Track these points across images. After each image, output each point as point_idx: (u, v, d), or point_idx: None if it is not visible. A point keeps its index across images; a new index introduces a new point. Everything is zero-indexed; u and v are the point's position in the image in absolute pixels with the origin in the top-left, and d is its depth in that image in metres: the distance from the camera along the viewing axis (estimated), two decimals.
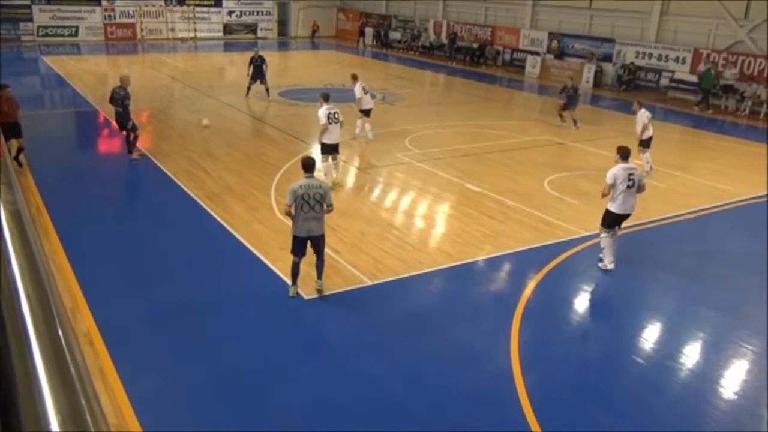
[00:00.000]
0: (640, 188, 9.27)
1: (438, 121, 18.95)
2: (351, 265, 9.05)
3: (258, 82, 20.68)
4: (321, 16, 44.22)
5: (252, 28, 41.72)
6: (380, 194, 12.66)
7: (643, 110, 14.28)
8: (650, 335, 7.88)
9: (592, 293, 9.04)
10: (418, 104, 21.88)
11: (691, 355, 7.41)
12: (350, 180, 13.47)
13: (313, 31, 43.59)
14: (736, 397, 6.59)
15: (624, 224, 9.72)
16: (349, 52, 37.38)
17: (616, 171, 9.14)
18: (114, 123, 14.48)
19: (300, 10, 43.75)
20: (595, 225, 11.03)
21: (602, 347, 7.53)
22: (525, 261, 9.70)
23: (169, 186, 12.32)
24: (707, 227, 11.64)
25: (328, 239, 9.85)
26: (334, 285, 8.42)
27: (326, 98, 12.44)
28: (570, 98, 18.55)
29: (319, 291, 8.08)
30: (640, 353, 7.40)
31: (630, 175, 9.12)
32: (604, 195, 9.33)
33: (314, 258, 8.07)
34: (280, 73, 28.84)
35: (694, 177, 14.33)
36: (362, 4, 43.77)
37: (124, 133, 13.81)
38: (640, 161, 13.77)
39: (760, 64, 22.63)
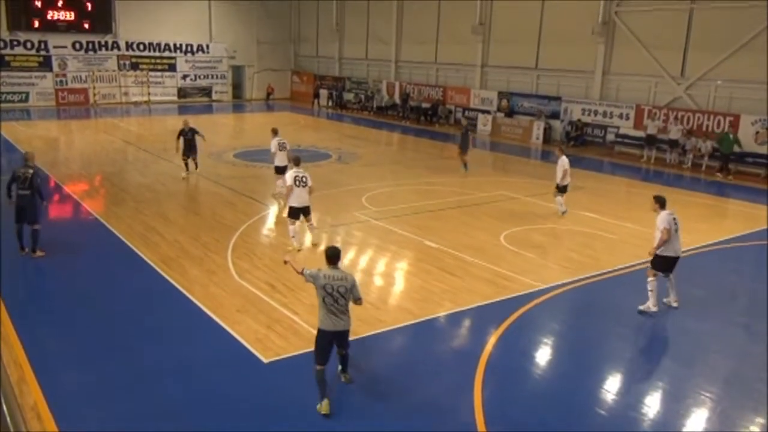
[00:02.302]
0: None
1: (394, 179, 19.19)
2: (310, 325, 8.90)
3: (190, 156, 18.54)
4: (275, 79, 44.87)
5: (207, 92, 42.00)
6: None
7: (564, 157, 15.18)
8: (611, 386, 7.92)
9: (553, 346, 9.09)
10: (373, 163, 22.16)
11: (651, 404, 7.46)
12: (308, 240, 13.41)
13: (268, 94, 44.11)
14: None
15: (576, 276, 9.92)
16: (304, 113, 37.86)
17: (666, 217, 9.69)
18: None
19: (254, 74, 44.33)
20: (551, 276, 11.23)
21: (564, 399, 7.52)
22: (485, 315, 9.73)
23: (123, 251, 12.06)
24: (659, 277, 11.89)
25: (286, 299, 9.81)
26: (294, 347, 8.27)
27: (296, 162, 12.44)
28: (463, 138, 19.66)
29: (347, 379, 7.47)
30: (602, 405, 7.42)
31: (674, 219, 9.79)
32: (662, 243, 9.65)
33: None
34: (235, 135, 28.99)
35: (645, 228, 14.70)
36: (316, 66, 44.63)
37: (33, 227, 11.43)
38: (554, 204, 15.22)
39: (699, 119, 23.77)
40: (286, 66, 46.15)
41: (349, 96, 40.25)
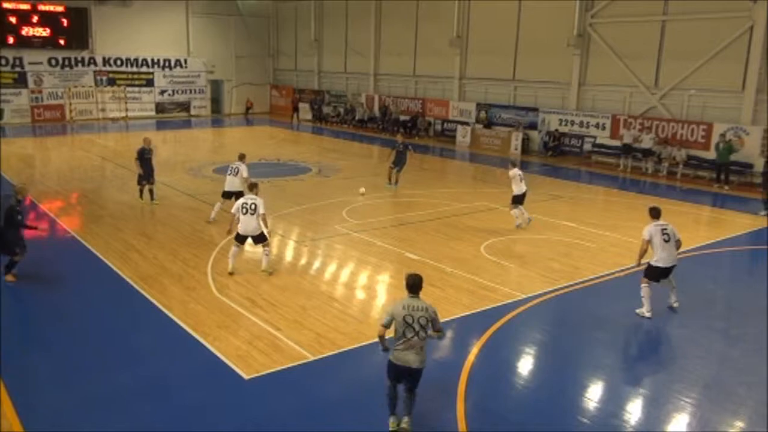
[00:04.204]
0: (678, 241, 10.17)
1: (374, 191, 19.21)
2: (293, 341, 8.88)
3: (146, 182, 16.96)
4: (254, 93, 44.80)
5: (185, 107, 41.80)
6: (320, 267, 12.59)
7: (515, 170, 15.32)
8: (593, 394, 7.96)
9: (535, 355, 9.13)
10: (353, 176, 22.17)
11: (633, 411, 7.52)
12: (289, 254, 13.37)
13: (247, 108, 44.01)
14: None
15: (556, 286, 10.00)
16: (283, 127, 37.83)
17: (651, 229, 10.10)
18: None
19: (233, 88, 44.25)
20: (531, 286, 11.30)
21: (547, 408, 7.54)
22: (467, 326, 9.76)
23: (100, 269, 11.92)
24: (638, 284, 12.00)
25: (267, 315, 9.76)
26: (275, 363, 8.22)
27: (250, 188, 12.06)
28: (399, 154, 19.16)
29: (405, 429, 6.77)
30: (584, 413, 7.45)
31: (663, 230, 10.07)
32: (643, 253, 10.18)
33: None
34: (214, 150, 28.85)
35: (622, 236, 14.89)
36: (295, 80, 44.68)
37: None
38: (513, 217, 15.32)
39: (673, 128, 24.15)
40: (264, 80, 46.14)
41: (328, 109, 40.30)
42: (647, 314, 10.15)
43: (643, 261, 10.49)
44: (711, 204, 19.72)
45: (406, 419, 6.78)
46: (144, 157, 16.82)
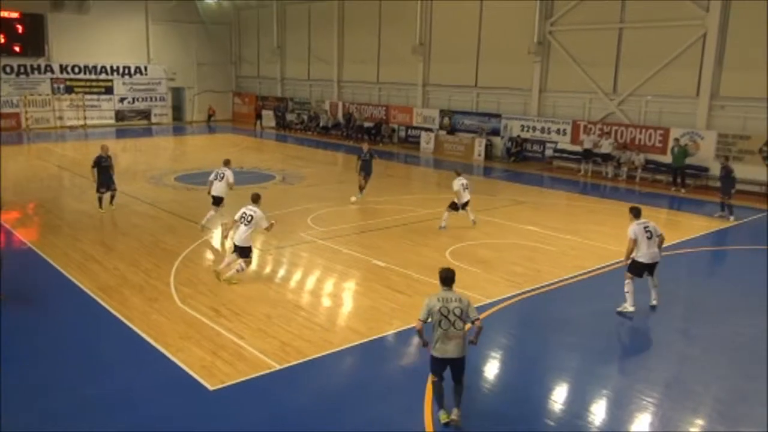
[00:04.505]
0: (660, 236, 10.56)
1: (339, 198, 19.18)
2: (257, 350, 8.78)
3: (105, 189, 16.75)
4: (216, 101, 44.38)
5: (145, 114, 41.19)
6: (285, 275, 12.50)
7: (457, 179, 15.67)
8: (559, 396, 8.05)
9: (500, 359, 9.19)
10: (318, 183, 22.11)
11: (597, 412, 7.63)
12: (253, 262, 13.24)
13: (209, 116, 43.56)
14: None
15: (520, 290, 10.10)
16: (246, 135, 37.54)
17: (635, 228, 10.44)
18: None
19: (195, 95, 43.77)
20: (495, 291, 11.39)
21: (513, 411, 7.60)
22: None
23: (59, 281, 11.63)
24: (599, 286, 12.22)
25: (231, 324, 9.65)
26: (240, 373, 8.12)
27: (252, 199, 11.99)
28: (365, 163, 18.95)
29: (455, 421, 6.96)
30: (551, 416, 7.53)
31: (646, 227, 10.46)
32: (630, 252, 10.51)
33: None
34: (176, 158, 28.47)
35: (583, 239, 15.15)
36: (258, 87, 44.41)
37: None
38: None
39: (631, 133, 24.69)
40: (227, 87, 45.75)
41: (292, 117, 40.14)
42: (631, 308, 10.49)
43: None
44: (668, 207, 20.19)
45: (455, 411, 6.98)
46: (101, 165, 16.60)
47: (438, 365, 7.03)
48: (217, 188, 14.96)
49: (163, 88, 41.67)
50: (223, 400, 7.56)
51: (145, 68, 40.80)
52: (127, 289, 11.17)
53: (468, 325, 7.05)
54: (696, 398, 7.96)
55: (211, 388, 7.75)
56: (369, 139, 27.96)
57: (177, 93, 43.09)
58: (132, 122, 40.31)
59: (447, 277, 7.13)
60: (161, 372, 8.24)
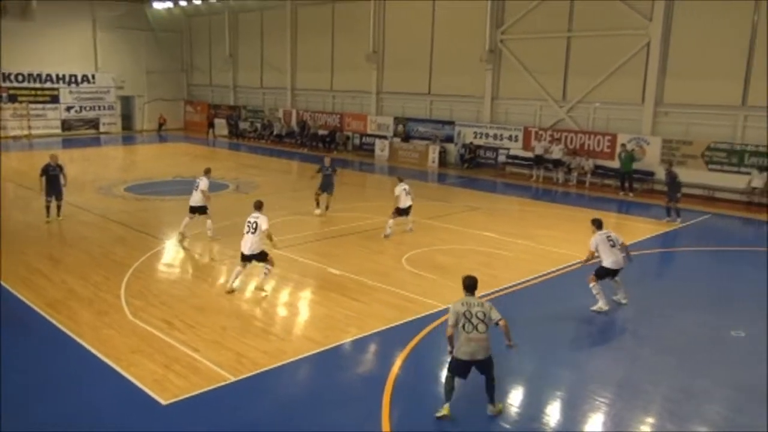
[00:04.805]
0: (622, 244, 11.08)
1: (294, 207, 19.04)
2: (212, 362, 8.63)
3: (53, 198, 16.51)
4: (167, 109, 43.63)
5: (93, 123, 40.25)
6: (240, 285, 12.32)
7: (400, 185, 15.83)
8: (514, 400, 8.14)
9: None
10: (272, 192, 21.91)
11: (552, 413, 7.74)
12: (207, 273, 13.04)
13: (160, 125, 42.79)
14: None
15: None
16: (199, 144, 37.02)
17: (596, 238, 10.99)
18: None
19: (145, 104, 42.95)
20: (453, 297, 11.42)
21: (469, 416, 7.65)
22: (390, 339, 9.78)
23: (3, 297, 11.19)
24: (552, 290, 12.44)
25: (185, 336, 9.47)
26: (194, 386, 7.95)
27: (255, 206, 11.92)
28: (327, 177, 17.96)
29: (497, 410, 7.53)
30: (507, 419, 7.60)
31: (608, 237, 11.01)
32: (587, 260, 11.21)
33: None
34: (125, 168, 27.86)
35: (536, 244, 15.39)
36: (210, 95, 43.86)
37: None
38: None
39: (580, 139, 25.27)
40: (178, 95, 45.06)
41: (245, 125, 39.76)
42: (605, 308, 10.99)
43: (593, 263, 11.27)
44: (617, 210, 20.70)
45: (490, 407, 7.48)
46: (49, 173, 16.27)
47: (460, 367, 7.35)
48: (193, 198, 14.90)
49: (111, 96, 40.78)
50: (176, 414, 7.39)
51: (93, 76, 39.88)
52: (75, 303, 10.84)
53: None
54: (646, 397, 8.14)
55: (164, 402, 7.57)
56: (324, 147, 27.83)
57: (126, 102, 42.24)
58: (79, 132, 39.31)
59: (471, 285, 7.58)
60: (113, 388, 8.00)
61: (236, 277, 11.72)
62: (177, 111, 44.74)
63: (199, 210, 14.90)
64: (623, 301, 11.38)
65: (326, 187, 18.02)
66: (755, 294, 12.15)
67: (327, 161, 18.46)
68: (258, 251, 11.56)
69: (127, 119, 42.48)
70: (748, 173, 21.08)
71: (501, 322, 7.42)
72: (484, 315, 7.29)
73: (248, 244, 11.46)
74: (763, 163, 20.90)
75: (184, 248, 14.67)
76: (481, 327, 7.24)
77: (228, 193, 21.55)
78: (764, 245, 16.01)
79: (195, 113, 44.36)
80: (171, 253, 14.46)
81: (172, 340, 9.34)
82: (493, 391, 7.49)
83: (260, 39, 39.43)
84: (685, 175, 20.30)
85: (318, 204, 18.13)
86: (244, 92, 41.53)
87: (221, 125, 40.54)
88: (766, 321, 10.56)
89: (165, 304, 10.88)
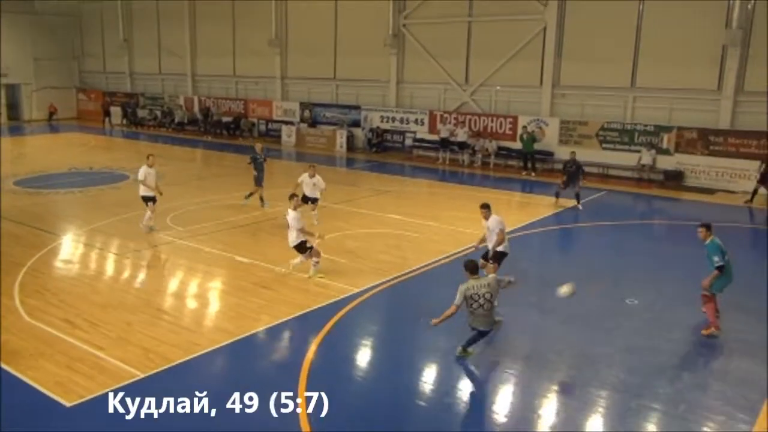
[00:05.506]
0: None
1: (200, 196, 18.54)
2: (118, 359, 8.30)
3: None
4: (58, 98, 41.19)
5: None
6: (145, 279, 11.91)
7: (305, 173, 15.78)
8: (429, 378, 8.34)
9: (371, 346, 9.36)
10: (177, 182, 21.18)
11: (464, 388, 8.01)
12: (109, 268, 12.50)
13: (51, 114, 40.37)
14: (506, 419, 7.25)
15: (387, 277, 10.35)
16: (94, 133, 35.23)
17: (503, 220, 10.78)
18: None
19: (33, 92, 40.35)
20: (364, 280, 11.57)
21: (387, 396, 7.78)
22: (303, 325, 9.77)
23: None
24: (458, 270, 12.75)
25: (88, 335, 9.10)
26: (100, 385, 7.62)
27: (291, 198, 12.15)
28: (260, 166, 17.11)
29: (468, 354, 8.55)
30: (422, 397, 7.78)
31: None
32: (501, 241, 10.72)
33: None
34: (14, 160, 26.13)
35: (444, 225, 15.74)
36: (105, 82, 41.79)
37: None
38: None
39: (484, 121, 25.96)
40: (69, 83, 42.64)
41: (144, 113, 38.15)
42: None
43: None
44: (521, 190, 21.50)
45: (459, 349, 8.54)
46: None
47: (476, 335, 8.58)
48: (140, 188, 14.67)
49: None
50: (81, 415, 7.08)
51: None
52: None
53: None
54: (552, 366, 8.56)
55: (67, 404, 7.23)
56: (229, 134, 27.11)
57: (12, 90, 39.56)
58: None
59: (472, 267, 8.45)
60: (11, 395, 7.53)
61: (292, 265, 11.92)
62: (69, 99, 42.33)
63: (152, 199, 14.58)
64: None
65: (262, 179, 17.13)
66: (646, 264, 12.98)
67: (258, 148, 17.45)
68: (297, 242, 11.68)
69: (13, 108, 39.83)
70: (638, 151, 22.37)
71: (511, 285, 8.74)
72: (491, 295, 8.25)
73: (289, 237, 11.79)
74: (651, 141, 22.25)
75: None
76: (487, 306, 8.26)
77: (128, 184, 20.64)
78: (653, 218, 17.12)
79: (89, 101, 42.12)
80: (69, 249, 13.75)
81: (74, 340, 8.91)
82: (473, 343, 8.49)
83: (156, 24, 37.85)
84: (581, 154, 21.11)
85: (262, 199, 17.24)
86: (141, 79, 39.83)
87: (118, 113, 38.69)
88: (655, 288, 11.33)
89: (65, 302, 10.35)
